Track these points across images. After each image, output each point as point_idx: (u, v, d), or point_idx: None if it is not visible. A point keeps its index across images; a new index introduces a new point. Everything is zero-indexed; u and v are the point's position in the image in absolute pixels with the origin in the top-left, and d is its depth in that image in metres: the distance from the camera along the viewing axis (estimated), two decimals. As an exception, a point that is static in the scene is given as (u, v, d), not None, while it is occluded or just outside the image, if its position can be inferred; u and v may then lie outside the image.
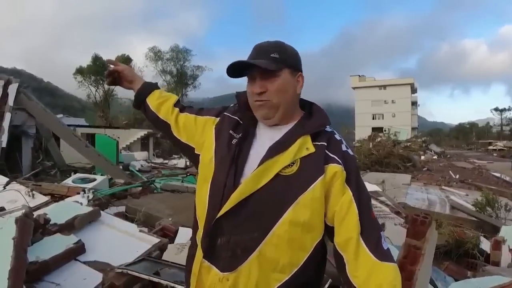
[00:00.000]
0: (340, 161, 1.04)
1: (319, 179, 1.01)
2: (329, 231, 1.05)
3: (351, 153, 1.10)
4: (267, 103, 1.07)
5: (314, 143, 1.06)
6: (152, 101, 1.36)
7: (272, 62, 1.05)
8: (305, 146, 1.05)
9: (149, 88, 1.39)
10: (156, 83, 1.45)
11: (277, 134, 1.10)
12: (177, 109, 1.33)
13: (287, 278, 1.01)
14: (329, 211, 1.03)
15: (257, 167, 1.03)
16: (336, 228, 1.02)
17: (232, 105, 1.27)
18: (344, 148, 1.09)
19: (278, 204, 1.00)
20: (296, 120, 1.13)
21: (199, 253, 1.08)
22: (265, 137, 1.11)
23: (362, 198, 1.03)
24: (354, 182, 1.04)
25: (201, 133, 1.25)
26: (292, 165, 1.02)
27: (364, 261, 0.97)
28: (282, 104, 1.08)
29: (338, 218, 1.02)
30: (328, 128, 1.12)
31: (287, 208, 0.99)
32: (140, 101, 1.39)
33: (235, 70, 1.10)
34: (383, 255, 0.98)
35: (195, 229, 1.16)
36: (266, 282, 1.00)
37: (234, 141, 1.12)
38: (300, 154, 1.03)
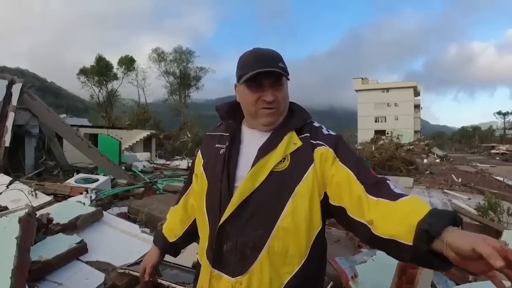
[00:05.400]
0: (323, 143, 1.08)
1: (310, 167, 1.04)
2: (339, 212, 1.02)
3: (333, 133, 1.13)
4: (276, 111, 1.11)
5: (299, 136, 1.10)
6: (173, 232, 1.36)
7: (283, 71, 1.08)
8: (292, 141, 1.09)
9: (160, 237, 1.39)
10: (157, 235, 1.43)
11: (263, 135, 1.13)
12: (181, 204, 1.36)
13: (296, 269, 1.02)
14: (329, 189, 1.04)
15: (251, 168, 1.05)
16: (344, 201, 1.00)
17: (212, 128, 1.31)
18: (325, 131, 1.13)
19: (278, 198, 1.03)
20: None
21: (206, 265, 1.09)
22: (252, 140, 1.14)
23: (355, 163, 1.04)
24: (342, 154, 1.06)
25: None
26: (283, 161, 1.06)
27: (382, 210, 0.92)
28: (284, 111, 1.14)
29: (340, 192, 1.01)
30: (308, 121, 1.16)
31: (287, 200, 1.02)
32: (174, 248, 1.39)
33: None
34: (396, 196, 0.93)
35: (200, 249, 1.16)
36: (278, 277, 1.02)
37: (221, 151, 1.14)
38: (289, 149, 1.07)
